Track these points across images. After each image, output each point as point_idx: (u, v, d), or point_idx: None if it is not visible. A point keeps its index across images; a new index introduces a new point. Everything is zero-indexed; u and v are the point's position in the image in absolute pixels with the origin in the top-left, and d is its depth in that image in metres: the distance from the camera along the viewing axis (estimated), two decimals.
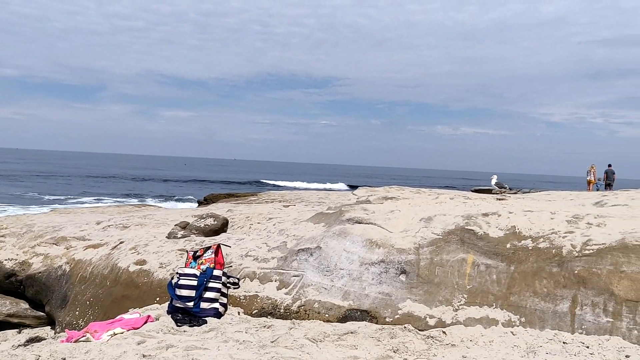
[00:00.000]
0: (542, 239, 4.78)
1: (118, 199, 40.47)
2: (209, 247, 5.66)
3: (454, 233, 5.12)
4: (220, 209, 9.51)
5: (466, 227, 5.10)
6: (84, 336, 4.46)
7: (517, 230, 4.96)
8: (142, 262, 6.37)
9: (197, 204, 36.54)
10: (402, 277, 4.96)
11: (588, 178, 35.96)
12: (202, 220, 7.21)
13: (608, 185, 34.83)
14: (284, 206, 9.14)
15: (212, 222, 7.16)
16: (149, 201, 38.92)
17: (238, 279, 5.57)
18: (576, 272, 4.43)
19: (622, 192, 7.08)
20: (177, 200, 42.77)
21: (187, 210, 10.31)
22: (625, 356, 3.78)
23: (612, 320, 4.17)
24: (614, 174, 35.19)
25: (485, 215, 5.23)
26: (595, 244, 4.52)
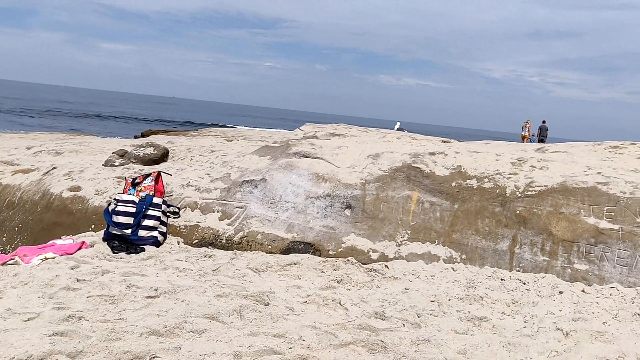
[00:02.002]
0: (486, 179, 4.83)
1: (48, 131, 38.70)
2: (148, 175, 5.43)
3: (400, 170, 5.10)
4: (160, 140, 9.17)
5: (413, 165, 5.08)
6: (12, 259, 4.22)
7: (462, 169, 4.99)
8: (77, 189, 6.07)
9: (133, 138, 35.50)
10: (347, 212, 4.93)
11: (523, 133, 37.22)
12: (142, 149, 6.92)
13: (541, 141, 36.16)
14: (227, 140, 8.91)
15: (152, 152, 6.88)
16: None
17: (179, 209, 5.40)
18: (518, 212, 4.51)
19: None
20: (112, 137, 41.40)
21: (125, 140, 9.90)
22: (559, 292, 3.92)
23: (548, 259, 4.30)
24: (547, 130, 36.53)
25: (432, 154, 5.23)
26: (537, 186, 4.61)
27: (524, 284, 4.08)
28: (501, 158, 5.11)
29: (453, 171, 4.99)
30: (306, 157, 5.48)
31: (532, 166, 4.96)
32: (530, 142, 36.53)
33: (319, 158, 5.43)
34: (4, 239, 6.13)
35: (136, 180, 5.35)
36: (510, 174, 4.85)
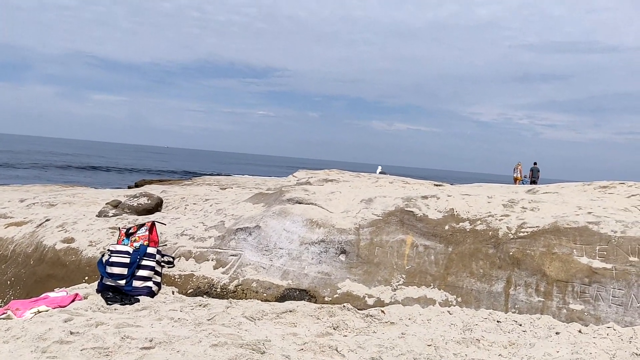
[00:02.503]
0: (479, 222, 4.87)
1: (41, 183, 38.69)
2: (142, 225, 5.44)
3: (393, 214, 5.14)
4: (153, 189, 9.19)
5: (406, 209, 5.13)
6: (4, 313, 4.17)
7: (455, 212, 5.03)
8: (70, 240, 6.06)
9: (127, 188, 35.41)
10: (342, 257, 4.94)
11: (515, 175, 37.51)
12: (135, 199, 6.94)
13: (533, 182, 36.44)
14: (220, 188, 8.95)
15: (146, 201, 6.90)
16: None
17: (173, 258, 5.39)
18: (511, 253, 4.54)
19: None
20: (106, 187, 41.46)
21: (118, 190, 9.93)
22: (556, 333, 3.91)
23: (543, 299, 4.30)
24: (538, 171, 36.88)
25: (425, 197, 5.28)
26: (529, 227, 4.65)
27: (520, 325, 4.07)
28: (493, 200, 5.17)
29: (446, 214, 5.04)
30: (300, 203, 5.51)
31: (523, 207, 5.01)
32: (523, 183, 36.81)
33: (312, 204, 5.47)
34: None
35: (130, 231, 5.35)
36: (502, 215, 4.89)
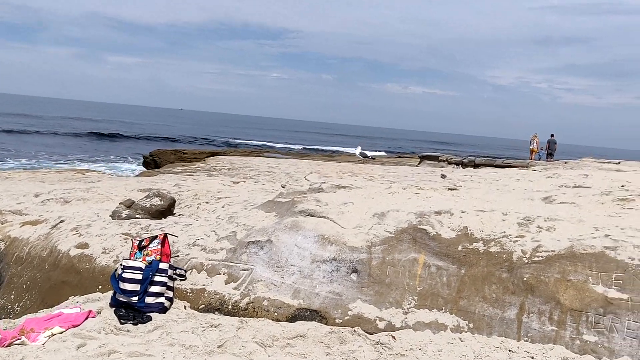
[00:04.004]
0: (493, 243, 4.80)
1: (58, 160, 39.33)
2: (155, 237, 5.45)
3: (406, 232, 5.08)
4: (167, 181, 9.21)
5: (419, 227, 5.06)
6: (18, 339, 4.22)
7: (469, 231, 4.96)
8: (84, 246, 6.10)
9: (142, 162, 35.57)
10: (354, 276, 4.91)
11: (531, 147, 37.15)
12: (148, 199, 6.95)
13: (549, 155, 36.09)
14: (233, 182, 8.93)
15: (159, 202, 6.91)
16: (93, 165, 37.98)
17: (185, 271, 5.41)
18: (525, 279, 4.48)
19: (568, 175, 7.22)
20: (122, 161, 42.06)
21: (132, 180, 9.95)
22: None
23: (556, 329, 4.25)
24: (555, 143, 36.46)
25: (438, 213, 5.21)
26: (544, 251, 4.57)
27: (532, 357, 4.05)
28: (507, 218, 5.08)
29: (459, 233, 4.97)
30: (312, 215, 5.47)
31: (539, 227, 4.92)
32: (539, 155, 36.45)
33: (324, 217, 5.42)
34: (12, 296, 6.16)
35: (142, 244, 5.37)
36: (517, 236, 4.81)
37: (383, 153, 60.03)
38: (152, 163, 32.76)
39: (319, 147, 71.10)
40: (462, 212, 5.21)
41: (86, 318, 4.75)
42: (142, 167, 34.96)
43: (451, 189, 6.49)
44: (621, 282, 4.25)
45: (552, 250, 4.56)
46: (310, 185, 6.38)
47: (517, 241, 4.75)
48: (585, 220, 5.04)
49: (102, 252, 5.91)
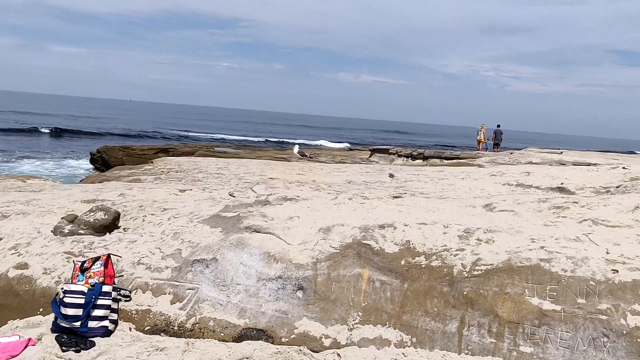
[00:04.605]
0: (434, 257, 4.91)
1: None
2: (97, 258, 5.34)
3: (351, 247, 5.14)
4: (112, 190, 9.02)
5: (363, 241, 5.14)
6: None
7: (411, 245, 5.06)
8: (24, 266, 5.92)
9: (89, 159, 34.71)
10: (299, 294, 4.95)
11: (478, 137, 38.13)
12: (92, 214, 6.78)
13: (496, 145, 37.11)
14: (179, 191, 8.82)
15: (103, 217, 6.76)
16: (39, 163, 36.81)
17: (130, 291, 5.33)
18: (465, 292, 4.61)
19: (511, 172, 7.42)
20: (69, 157, 40.99)
21: (75, 189, 9.69)
22: None
23: (495, 341, 4.41)
24: (501, 133, 37.52)
25: (382, 227, 5.29)
26: (483, 264, 4.71)
27: None
28: (449, 231, 5.21)
29: (402, 247, 5.06)
30: (257, 232, 5.47)
31: (478, 239, 5.07)
32: (486, 146, 37.43)
33: (270, 233, 5.43)
34: None
35: (85, 265, 5.25)
36: (457, 250, 4.94)
37: (347, 145, 64.88)
38: (100, 160, 32.06)
39: (270, 139, 71.93)
40: (405, 225, 5.31)
41: (25, 347, 4.62)
42: (89, 163, 34.18)
43: (396, 197, 6.59)
44: (555, 293, 4.43)
45: (490, 264, 4.71)
46: (257, 197, 6.37)
47: (457, 255, 4.88)
48: (523, 230, 5.22)
49: (43, 273, 5.75)
